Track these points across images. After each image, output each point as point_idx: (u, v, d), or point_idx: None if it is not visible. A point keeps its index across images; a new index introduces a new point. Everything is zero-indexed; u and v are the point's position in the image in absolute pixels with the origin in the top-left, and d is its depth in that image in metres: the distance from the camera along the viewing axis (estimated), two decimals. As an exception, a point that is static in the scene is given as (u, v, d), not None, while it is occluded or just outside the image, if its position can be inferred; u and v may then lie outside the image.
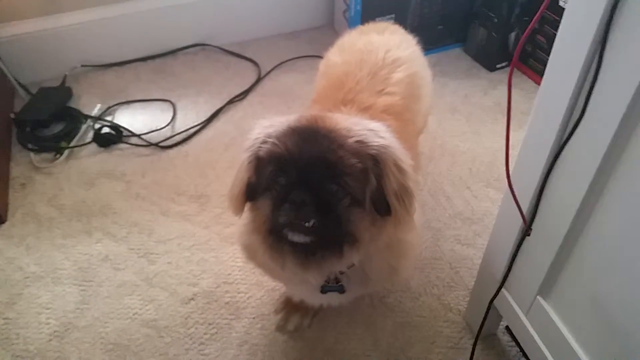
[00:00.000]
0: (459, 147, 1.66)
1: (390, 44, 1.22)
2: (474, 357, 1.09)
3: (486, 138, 1.69)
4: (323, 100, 1.15)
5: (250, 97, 1.89)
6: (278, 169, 0.83)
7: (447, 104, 1.83)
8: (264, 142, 0.84)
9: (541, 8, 0.70)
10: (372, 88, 1.12)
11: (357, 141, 0.81)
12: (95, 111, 1.77)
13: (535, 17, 0.70)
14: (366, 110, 1.06)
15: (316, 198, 0.80)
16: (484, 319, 1.06)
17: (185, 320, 1.22)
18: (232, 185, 0.91)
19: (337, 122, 0.84)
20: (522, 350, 1.06)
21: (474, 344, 1.08)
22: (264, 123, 0.88)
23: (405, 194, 0.85)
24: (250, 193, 0.88)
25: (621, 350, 0.76)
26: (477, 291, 1.15)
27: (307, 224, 0.81)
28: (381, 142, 0.83)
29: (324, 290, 0.98)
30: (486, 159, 1.61)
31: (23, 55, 1.83)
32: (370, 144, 0.82)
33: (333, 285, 0.98)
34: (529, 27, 0.73)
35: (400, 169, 0.84)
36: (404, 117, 1.13)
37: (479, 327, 1.13)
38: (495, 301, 1.03)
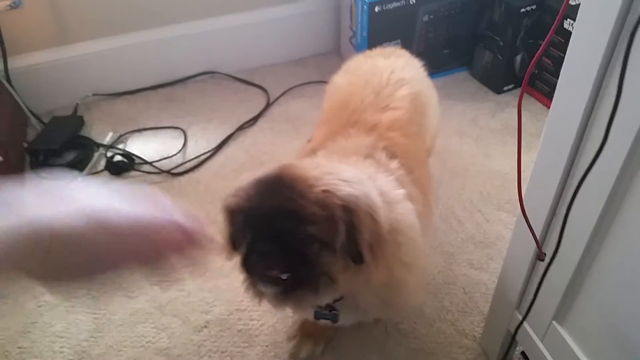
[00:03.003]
0: (469, 170, 1.66)
1: (394, 66, 1.24)
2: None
3: (496, 160, 1.69)
4: (329, 122, 1.17)
5: (260, 123, 1.91)
6: (245, 220, 0.83)
7: (455, 127, 1.84)
8: (234, 194, 0.85)
9: (549, 33, 0.71)
10: (376, 105, 1.13)
11: (324, 190, 0.80)
12: (107, 139, 1.79)
13: (544, 42, 0.71)
14: (372, 129, 1.08)
15: (283, 247, 0.80)
16: (507, 352, 1.05)
17: (198, 349, 1.22)
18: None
19: (306, 171, 0.82)
20: (538, 376, 1.05)
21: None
22: (244, 176, 0.88)
23: (378, 244, 0.84)
24: (233, 243, 0.89)
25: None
26: (492, 317, 1.14)
27: (275, 274, 0.82)
28: (351, 192, 0.81)
29: (316, 316, 0.98)
30: (496, 181, 1.61)
31: (36, 86, 1.85)
32: (339, 193, 0.80)
33: (326, 313, 0.98)
34: (538, 53, 0.73)
35: (373, 220, 0.82)
36: (410, 132, 1.13)
37: (494, 352, 1.13)
38: (510, 327, 1.03)
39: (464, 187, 1.60)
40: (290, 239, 0.81)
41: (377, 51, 1.37)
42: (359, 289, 0.91)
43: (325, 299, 0.90)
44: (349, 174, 0.85)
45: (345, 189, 0.81)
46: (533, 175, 0.87)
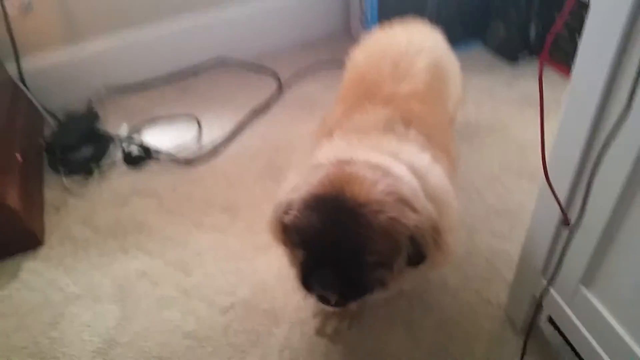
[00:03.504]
0: (487, 141, 1.65)
1: (413, 35, 1.23)
2: (520, 350, 1.07)
3: (514, 130, 1.67)
4: (347, 98, 1.16)
5: (273, 108, 1.90)
6: (301, 240, 0.82)
7: (472, 99, 1.81)
8: (286, 212, 0.83)
9: (567, 7, 0.69)
10: (394, 76, 1.12)
11: (390, 217, 0.78)
12: (123, 132, 1.80)
13: (562, 14, 0.69)
14: (390, 100, 1.06)
15: (342, 275, 0.80)
16: (533, 317, 1.04)
17: (225, 330, 1.23)
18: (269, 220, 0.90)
19: (366, 190, 0.78)
20: (566, 340, 1.04)
21: (525, 340, 1.06)
22: (287, 185, 0.86)
23: (439, 238, 0.84)
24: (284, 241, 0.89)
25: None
26: (517, 283, 1.13)
27: (333, 297, 0.83)
28: (417, 219, 0.80)
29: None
30: (516, 150, 1.59)
31: (49, 84, 1.87)
32: (406, 222, 0.79)
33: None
34: (555, 27, 0.71)
35: (438, 233, 0.82)
36: (430, 99, 1.12)
37: (520, 318, 1.11)
38: (536, 293, 1.01)
39: (482, 158, 1.59)
40: (351, 267, 0.80)
41: (395, 24, 1.35)
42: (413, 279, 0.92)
43: (374, 299, 0.91)
44: (409, 187, 0.84)
45: (411, 217, 0.79)
46: (555, 143, 0.85)
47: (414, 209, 0.81)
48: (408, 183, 0.85)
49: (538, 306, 1.03)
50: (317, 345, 1.18)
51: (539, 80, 0.74)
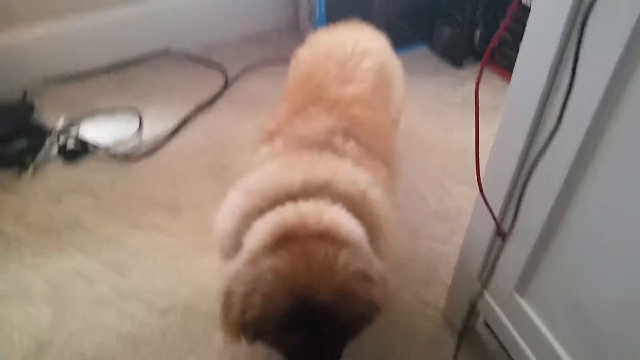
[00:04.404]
0: (432, 145, 1.67)
1: (359, 38, 1.23)
2: (455, 352, 1.10)
3: (458, 135, 1.71)
4: (292, 97, 1.15)
5: (219, 103, 1.87)
6: (277, 341, 0.84)
7: (417, 103, 1.84)
8: (244, 310, 0.81)
9: (509, 11, 0.71)
10: (340, 78, 1.12)
11: (361, 303, 0.81)
12: (59, 125, 1.73)
13: (505, 19, 0.70)
14: (334, 106, 1.06)
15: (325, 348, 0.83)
16: (467, 320, 1.07)
17: (163, 332, 1.20)
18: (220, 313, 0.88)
19: (330, 277, 0.78)
20: (501, 344, 1.07)
21: (458, 342, 1.09)
22: (231, 271, 0.84)
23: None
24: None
25: (597, 344, 0.77)
26: (454, 288, 1.16)
27: None
28: (380, 292, 0.84)
29: None
30: (458, 156, 1.63)
31: (-20, 71, 1.77)
32: (374, 301, 0.83)
33: None
34: (498, 32, 0.72)
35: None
36: (374, 105, 1.12)
37: (457, 322, 1.14)
38: (472, 298, 1.04)
39: (427, 163, 1.61)
40: (332, 348, 0.84)
41: (341, 25, 1.36)
42: None
43: None
44: (355, 233, 0.85)
45: (376, 293, 0.83)
46: (492, 153, 0.88)
47: (373, 282, 0.83)
48: (360, 243, 0.85)
49: (474, 310, 1.06)
50: (257, 351, 1.17)
51: (475, 93, 0.75)
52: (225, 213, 0.94)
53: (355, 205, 0.89)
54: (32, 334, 1.20)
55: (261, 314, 0.78)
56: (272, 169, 0.95)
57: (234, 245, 0.92)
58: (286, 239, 0.80)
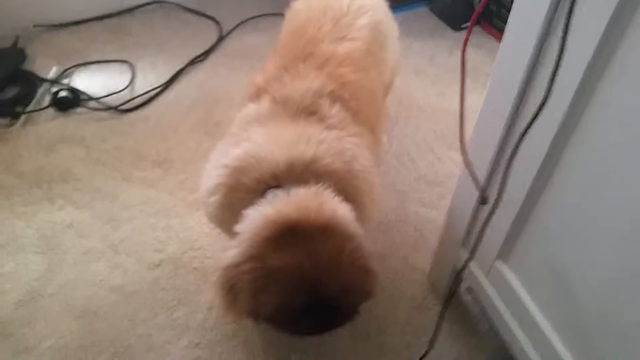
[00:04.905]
0: (424, 109, 1.67)
1: None
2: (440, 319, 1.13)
3: (451, 100, 1.70)
4: (283, 51, 1.13)
5: (212, 57, 1.85)
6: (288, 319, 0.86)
7: (413, 66, 1.82)
8: (258, 302, 0.82)
9: None
10: (333, 34, 1.10)
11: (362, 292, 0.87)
12: (51, 74, 1.71)
13: None
14: (325, 64, 1.05)
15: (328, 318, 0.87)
16: (451, 286, 1.08)
17: (152, 286, 1.22)
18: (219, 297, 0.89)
19: (335, 272, 0.82)
20: (483, 309, 1.10)
21: (444, 307, 1.11)
22: (230, 263, 0.84)
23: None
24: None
25: (573, 309, 0.80)
26: (439, 253, 1.17)
27: None
28: (375, 276, 0.88)
29: None
30: (450, 121, 1.62)
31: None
32: (369, 289, 0.88)
33: None
34: None
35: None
36: (365, 65, 1.11)
37: (442, 287, 1.17)
38: (456, 264, 1.06)
39: (418, 127, 1.61)
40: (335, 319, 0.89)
41: None
42: None
43: None
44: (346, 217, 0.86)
45: (372, 281, 0.87)
46: (479, 119, 0.87)
47: (372, 274, 0.87)
48: (351, 225, 0.86)
49: (458, 276, 1.09)
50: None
51: (462, 49, 0.74)
52: (210, 183, 0.95)
53: (340, 180, 0.91)
54: (24, 284, 1.22)
55: (274, 309, 0.82)
56: (256, 142, 0.93)
57: (220, 215, 0.97)
58: (290, 234, 0.81)
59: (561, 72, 0.64)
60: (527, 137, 0.75)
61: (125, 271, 1.25)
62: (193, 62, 1.81)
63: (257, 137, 0.94)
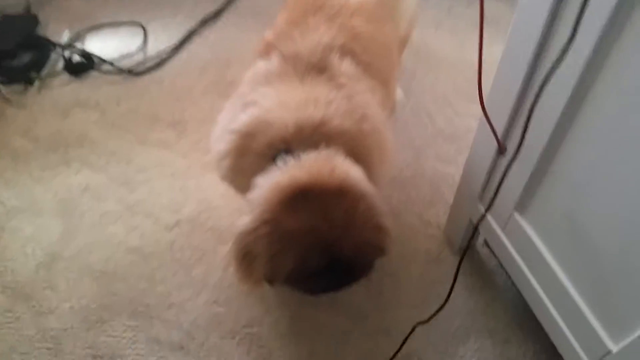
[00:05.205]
0: (443, 62, 1.62)
1: None
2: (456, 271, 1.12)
3: (470, 51, 1.65)
4: (294, 3, 1.10)
5: (225, 17, 1.82)
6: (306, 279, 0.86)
7: (431, 18, 1.77)
8: (275, 266, 0.83)
9: None
10: None
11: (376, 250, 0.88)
12: (64, 38, 1.70)
13: None
14: (335, 16, 1.01)
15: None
16: (468, 239, 1.07)
17: (170, 246, 1.23)
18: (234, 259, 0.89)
19: (352, 237, 0.82)
20: (500, 262, 1.08)
21: (460, 261, 1.10)
22: (245, 230, 0.84)
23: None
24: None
25: (591, 261, 0.78)
26: (455, 207, 1.16)
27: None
28: (388, 235, 0.88)
29: None
30: (470, 73, 1.58)
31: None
32: (383, 247, 0.88)
33: None
34: None
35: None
36: (378, 16, 1.08)
37: (457, 240, 1.15)
38: (473, 217, 1.04)
39: (437, 81, 1.57)
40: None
41: None
42: None
43: None
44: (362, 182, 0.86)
45: (386, 239, 0.88)
46: (499, 68, 0.85)
47: (385, 231, 0.87)
48: (363, 184, 0.85)
49: (474, 230, 1.07)
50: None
51: (480, 13, 0.72)
52: (220, 148, 0.95)
53: (350, 140, 0.89)
54: (43, 246, 1.24)
55: (290, 271, 0.82)
56: (265, 105, 0.92)
57: (231, 177, 0.98)
58: (303, 197, 0.80)
59: (587, 12, 0.61)
60: (548, 85, 0.72)
61: (142, 232, 1.26)
62: (205, 23, 1.78)
63: (266, 101, 0.92)
